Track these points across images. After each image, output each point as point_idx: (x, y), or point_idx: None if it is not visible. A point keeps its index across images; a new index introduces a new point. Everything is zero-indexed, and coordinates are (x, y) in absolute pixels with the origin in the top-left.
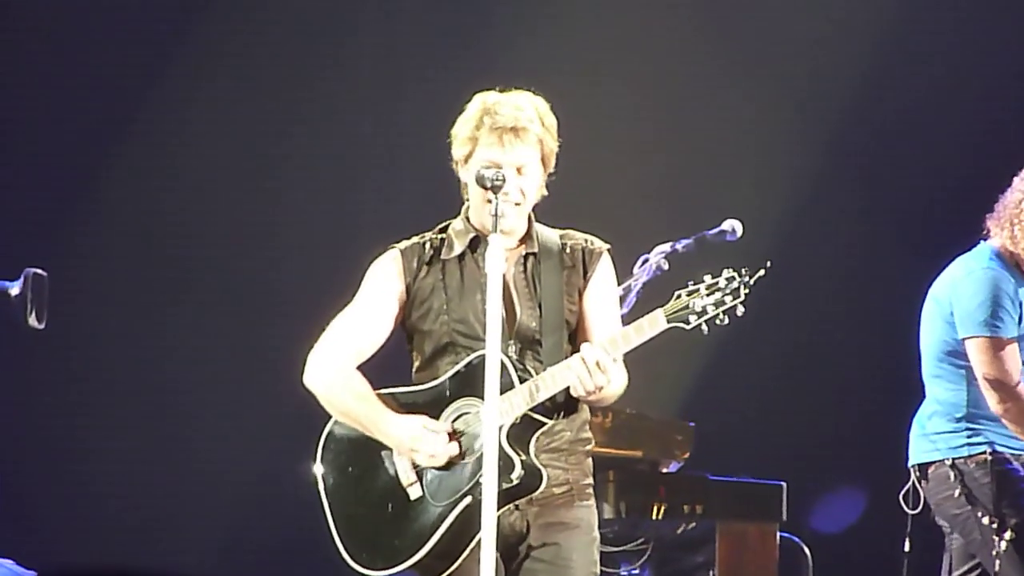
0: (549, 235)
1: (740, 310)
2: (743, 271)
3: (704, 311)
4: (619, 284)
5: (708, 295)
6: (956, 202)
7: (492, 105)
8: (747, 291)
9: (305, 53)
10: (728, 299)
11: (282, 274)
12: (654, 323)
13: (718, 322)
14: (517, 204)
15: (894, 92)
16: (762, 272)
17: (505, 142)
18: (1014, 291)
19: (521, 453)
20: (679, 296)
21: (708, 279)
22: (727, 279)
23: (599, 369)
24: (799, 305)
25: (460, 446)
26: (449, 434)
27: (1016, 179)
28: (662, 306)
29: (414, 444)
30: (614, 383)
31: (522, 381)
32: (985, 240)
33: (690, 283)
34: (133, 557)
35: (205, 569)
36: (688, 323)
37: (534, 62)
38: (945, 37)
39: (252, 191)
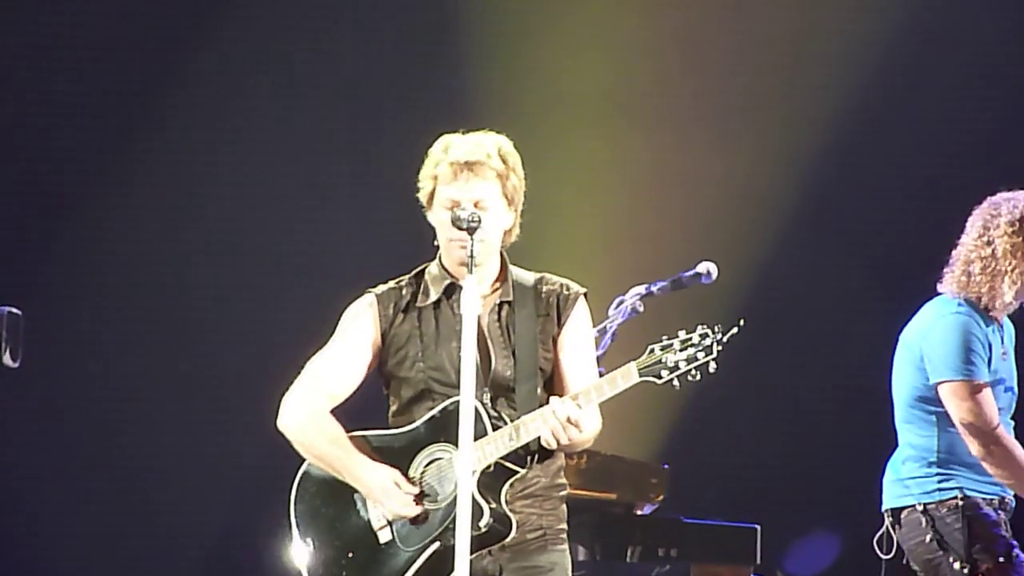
0: (525, 279)
1: (712, 367)
2: (716, 328)
3: (676, 366)
4: (595, 325)
5: (681, 351)
6: (932, 248)
7: (450, 143)
8: (720, 348)
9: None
10: (701, 355)
11: (255, 320)
12: (627, 376)
13: (690, 378)
14: (480, 241)
15: (873, 136)
16: (735, 330)
17: (461, 177)
18: (984, 335)
19: (491, 501)
20: (652, 351)
21: (682, 335)
22: (700, 335)
23: (570, 423)
24: (774, 348)
25: (429, 501)
26: (417, 496)
27: (968, 224)
28: (636, 359)
29: (382, 497)
30: (586, 431)
31: (495, 428)
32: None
33: (664, 338)
34: None
35: None
36: (660, 377)
37: (508, 105)
38: (925, 85)
39: (223, 239)
